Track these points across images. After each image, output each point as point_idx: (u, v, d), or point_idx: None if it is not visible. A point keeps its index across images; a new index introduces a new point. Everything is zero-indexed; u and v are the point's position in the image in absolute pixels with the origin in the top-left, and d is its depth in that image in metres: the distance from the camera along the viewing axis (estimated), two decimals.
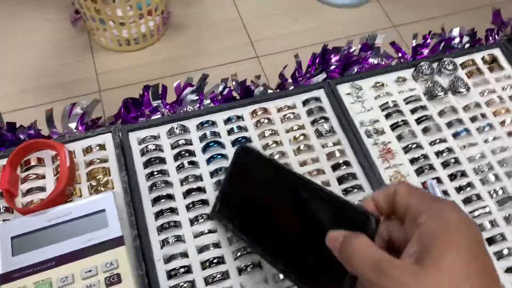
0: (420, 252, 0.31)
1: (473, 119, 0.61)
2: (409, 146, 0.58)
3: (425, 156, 0.58)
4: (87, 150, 0.57)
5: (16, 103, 1.33)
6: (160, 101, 0.63)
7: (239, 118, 0.60)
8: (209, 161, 0.57)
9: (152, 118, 0.62)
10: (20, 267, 0.47)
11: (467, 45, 0.70)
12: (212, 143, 0.58)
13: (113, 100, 0.65)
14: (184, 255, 0.51)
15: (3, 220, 0.51)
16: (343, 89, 0.63)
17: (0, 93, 1.37)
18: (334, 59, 0.68)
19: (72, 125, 0.62)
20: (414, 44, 0.71)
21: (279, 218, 0.44)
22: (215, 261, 0.51)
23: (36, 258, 0.48)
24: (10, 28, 1.53)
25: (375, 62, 0.70)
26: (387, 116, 0.61)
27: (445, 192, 0.55)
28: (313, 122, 0.60)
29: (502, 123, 0.61)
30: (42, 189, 0.54)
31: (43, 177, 0.55)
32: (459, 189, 0.56)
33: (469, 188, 0.56)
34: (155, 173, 0.55)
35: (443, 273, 0.29)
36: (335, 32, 1.54)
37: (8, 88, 1.38)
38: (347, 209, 0.36)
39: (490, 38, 0.70)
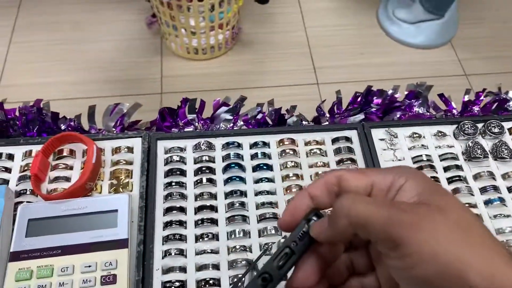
0: (419, 200, 0.30)
1: None
2: None
3: None
4: (116, 150, 0.59)
5: (80, 91, 1.41)
6: (195, 115, 0.65)
7: (266, 144, 0.60)
8: (226, 181, 0.57)
9: (184, 130, 0.64)
10: (29, 248, 0.50)
11: None
12: (233, 165, 0.58)
13: (172, 103, 0.68)
14: (183, 269, 0.51)
15: (27, 202, 0.55)
16: (377, 133, 0.61)
17: (66, 80, 1.46)
18: (376, 101, 0.67)
19: (111, 124, 0.65)
20: (465, 99, 0.68)
21: None
22: (211, 281, 0.51)
23: (45, 243, 0.50)
24: (89, 23, 1.63)
25: (420, 111, 0.67)
26: (418, 169, 0.58)
27: None
28: (339, 162, 0.59)
29: None
30: (67, 179, 0.57)
31: (71, 168, 0.58)
32: None
33: None
34: (173, 183, 0.57)
35: (455, 209, 0.29)
36: (401, 71, 1.50)
37: (75, 77, 1.47)
38: None
39: None
